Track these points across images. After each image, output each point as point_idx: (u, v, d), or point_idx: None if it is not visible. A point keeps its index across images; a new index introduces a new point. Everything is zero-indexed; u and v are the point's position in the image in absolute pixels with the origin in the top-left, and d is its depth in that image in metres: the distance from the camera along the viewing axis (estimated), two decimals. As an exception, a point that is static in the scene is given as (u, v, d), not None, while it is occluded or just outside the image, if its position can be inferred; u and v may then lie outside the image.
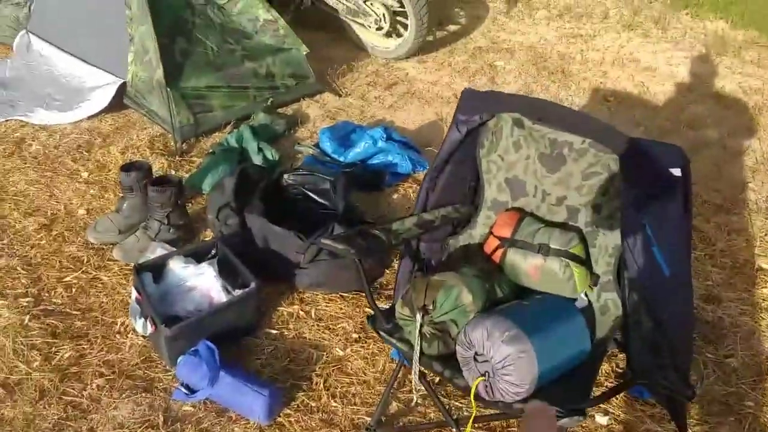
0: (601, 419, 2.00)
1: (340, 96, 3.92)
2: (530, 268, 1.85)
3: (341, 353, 2.17)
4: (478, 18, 5.32)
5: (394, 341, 1.71)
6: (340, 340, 2.22)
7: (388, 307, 1.84)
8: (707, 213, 2.97)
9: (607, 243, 1.86)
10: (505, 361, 1.53)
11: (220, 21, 3.59)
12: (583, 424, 1.98)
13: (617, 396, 2.06)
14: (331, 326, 2.27)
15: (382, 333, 1.73)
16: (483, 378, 1.57)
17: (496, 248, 1.91)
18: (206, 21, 3.53)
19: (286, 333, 2.24)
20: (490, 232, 1.97)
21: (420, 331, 1.63)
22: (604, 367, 2.14)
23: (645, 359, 1.55)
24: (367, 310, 2.26)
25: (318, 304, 2.36)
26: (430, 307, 1.65)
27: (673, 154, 1.72)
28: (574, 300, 1.87)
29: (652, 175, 1.66)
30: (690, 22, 5.28)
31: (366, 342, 2.20)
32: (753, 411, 2.02)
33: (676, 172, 1.69)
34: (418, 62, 4.48)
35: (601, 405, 2.03)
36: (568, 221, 1.93)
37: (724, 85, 4.25)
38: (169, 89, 3.19)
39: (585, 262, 1.85)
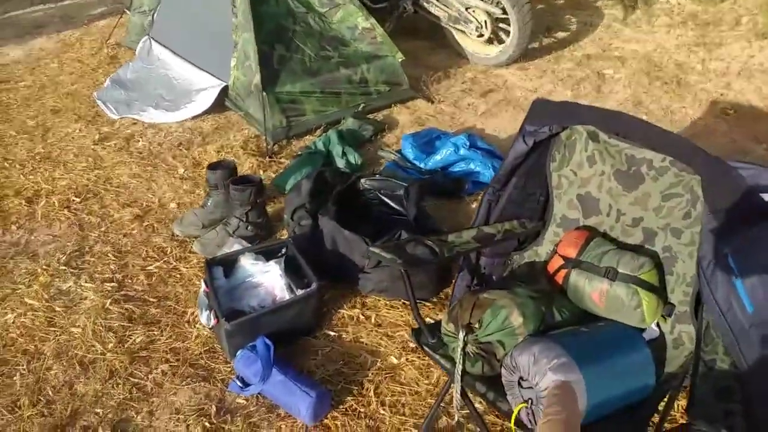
0: (669, 464, 1.81)
1: (432, 102, 3.90)
2: (594, 292, 1.72)
3: (396, 361, 2.14)
4: (590, 25, 5.08)
5: (437, 357, 1.66)
6: (396, 347, 2.19)
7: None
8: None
9: (685, 271, 1.69)
10: (550, 390, 1.43)
11: (320, 29, 3.69)
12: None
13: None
14: (389, 333, 2.24)
15: (425, 347, 1.68)
16: (525, 405, 1.47)
17: (560, 268, 1.80)
18: (306, 29, 3.64)
19: (344, 336, 2.24)
20: (555, 251, 1.85)
21: (463, 349, 1.57)
22: (682, 403, 1.94)
23: (710, 401, 1.39)
24: (428, 320, 2.21)
25: (379, 309, 2.34)
26: (476, 326, 1.58)
27: None
28: (642, 330, 1.71)
29: (740, 200, 1.48)
30: (837, 30, 4.70)
31: (422, 353, 2.15)
32: None
33: (769, 197, 1.50)
34: (519, 69, 4.35)
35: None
36: (643, 244, 1.78)
37: None
38: (264, 93, 3.33)
39: (658, 290, 1.69)
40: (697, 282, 1.61)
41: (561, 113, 1.81)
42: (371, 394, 2.02)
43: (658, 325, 1.72)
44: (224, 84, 3.65)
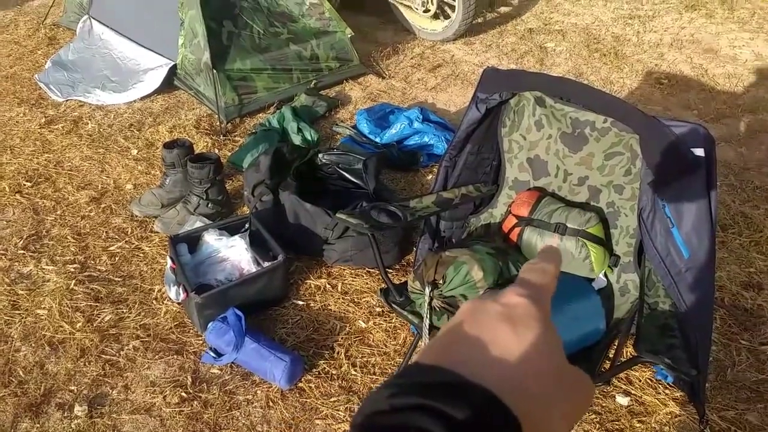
0: (622, 400, 1.98)
1: (383, 78, 3.96)
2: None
3: (364, 325, 2.23)
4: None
5: (405, 313, 1.75)
6: (363, 313, 2.28)
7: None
8: (758, 199, 2.86)
9: (628, 224, 1.83)
10: (511, 337, 1.55)
11: (267, 5, 3.69)
12: (603, 404, 1.97)
13: (641, 379, 2.04)
14: (356, 300, 2.33)
15: (394, 305, 1.78)
16: (489, 352, 1.59)
17: (513, 227, 1.92)
18: (253, 4, 3.63)
19: (312, 304, 2.31)
20: (509, 211, 1.97)
21: (429, 304, 1.67)
22: (629, 350, 2.11)
23: (654, 337, 1.54)
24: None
25: (344, 278, 2.42)
26: (440, 282, 1.69)
27: (697, 135, 1.66)
28: (592, 280, 1.85)
29: (674, 155, 1.62)
30: (760, 2, 5.01)
31: (389, 316, 2.25)
32: (784, 400, 1.96)
33: (699, 152, 1.64)
34: (465, 44, 4.46)
35: (622, 386, 2.02)
36: (589, 201, 1.92)
37: (790, 68, 4.03)
38: (215, 71, 3.32)
39: (604, 242, 1.84)
40: (638, 234, 1.76)
41: (510, 80, 1.91)
42: (342, 357, 2.11)
43: (605, 275, 1.87)
44: (172, 63, 3.61)
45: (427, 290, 1.67)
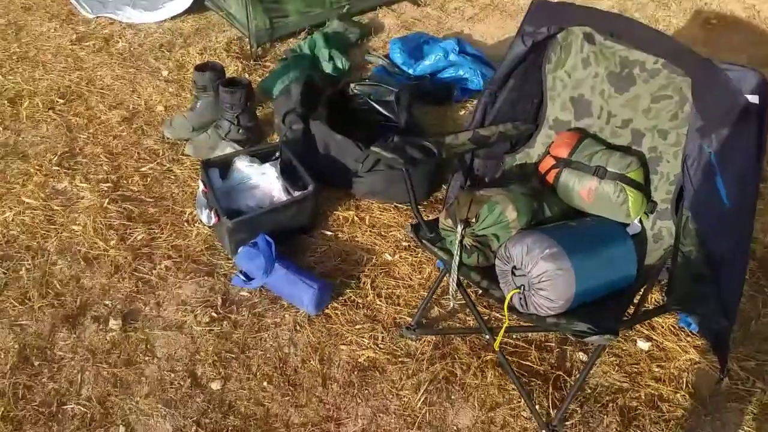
0: (643, 344, 2.00)
1: (418, 5, 3.82)
2: (584, 190, 1.81)
3: (390, 258, 2.25)
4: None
5: (435, 249, 1.75)
6: (390, 246, 2.29)
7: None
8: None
9: (669, 170, 1.79)
10: (542, 277, 1.54)
11: (302, -75, 3.53)
12: (623, 347, 1.99)
13: (663, 325, 2.05)
14: (383, 233, 2.34)
15: (424, 241, 1.77)
16: (518, 290, 1.59)
17: (551, 168, 1.88)
18: (287, -75, 3.47)
19: (340, 235, 2.33)
20: (548, 152, 1.93)
21: (461, 242, 1.66)
22: (655, 296, 2.11)
23: (686, 287, 1.52)
24: (422, 219, 2.30)
25: (372, 211, 2.43)
26: (473, 220, 1.67)
27: (753, 80, 1.58)
28: (627, 225, 1.83)
29: (727, 101, 1.55)
30: (823, -62, 4.67)
31: (415, 251, 2.27)
32: (808, 354, 1.96)
33: (754, 99, 1.57)
34: (506, -28, 4.26)
35: (644, 331, 2.03)
36: (631, 145, 1.86)
37: None
38: (247, -8, 3.22)
39: (642, 187, 1.80)
40: (679, 180, 1.72)
41: (559, 13, 1.83)
42: (368, 287, 2.14)
43: (640, 221, 1.84)
44: (204, -18, 3.51)
45: (459, 228, 1.66)
